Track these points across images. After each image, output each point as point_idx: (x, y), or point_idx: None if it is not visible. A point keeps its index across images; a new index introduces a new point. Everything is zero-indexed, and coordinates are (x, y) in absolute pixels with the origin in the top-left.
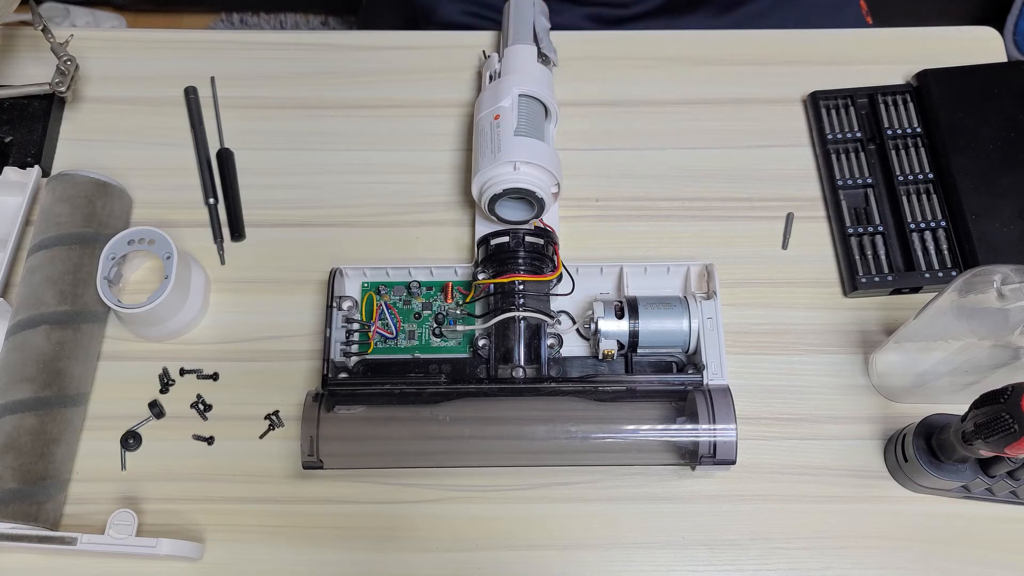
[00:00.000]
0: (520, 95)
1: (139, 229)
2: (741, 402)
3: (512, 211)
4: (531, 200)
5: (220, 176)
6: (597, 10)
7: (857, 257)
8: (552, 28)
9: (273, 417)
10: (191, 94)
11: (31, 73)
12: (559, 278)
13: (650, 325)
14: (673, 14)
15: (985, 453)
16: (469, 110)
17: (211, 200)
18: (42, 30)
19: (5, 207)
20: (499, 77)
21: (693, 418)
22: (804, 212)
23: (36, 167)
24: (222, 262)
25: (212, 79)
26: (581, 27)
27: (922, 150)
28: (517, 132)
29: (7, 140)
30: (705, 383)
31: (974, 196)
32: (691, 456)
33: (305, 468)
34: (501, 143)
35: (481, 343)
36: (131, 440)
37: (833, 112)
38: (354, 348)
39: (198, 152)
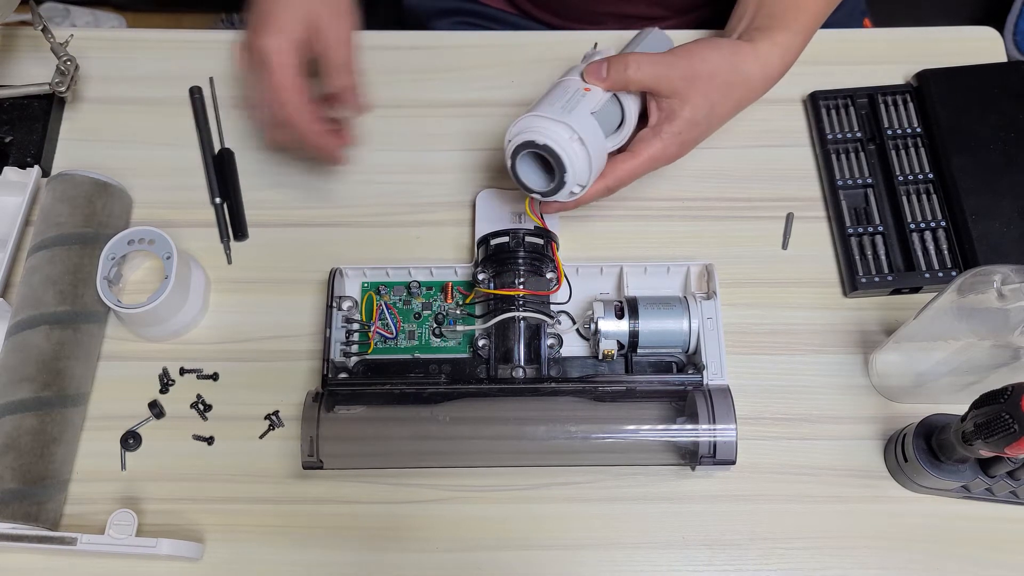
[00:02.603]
0: (615, 95)
1: (139, 229)
2: (741, 402)
3: (527, 171)
4: (554, 175)
5: (222, 176)
6: None
7: (857, 257)
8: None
9: (273, 417)
10: (196, 94)
11: (31, 73)
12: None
13: (650, 325)
14: None
15: (985, 453)
16: (469, 110)
17: (217, 200)
18: (42, 30)
19: (5, 207)
20: None
21: (693, 418)
22: (804, 212)
23: (36, 167)
24: (228, 261)
25: (211, 79)
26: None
27: (922, 150)
28: (594, 113)
29: (7, 140)
30: (705, 383)
31: (974, 196)
32: (691, 456)
33: (305, 468)
34: (577, 109)
35: (481, 343)
36: (131, 440)
37: (833, 112)
38: (354, 348)
39: (203, 151)
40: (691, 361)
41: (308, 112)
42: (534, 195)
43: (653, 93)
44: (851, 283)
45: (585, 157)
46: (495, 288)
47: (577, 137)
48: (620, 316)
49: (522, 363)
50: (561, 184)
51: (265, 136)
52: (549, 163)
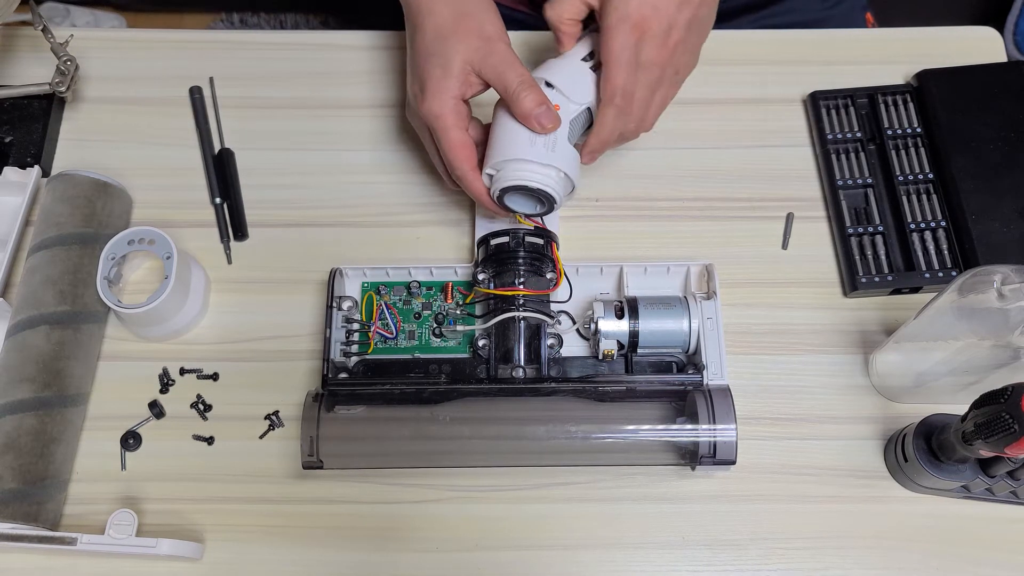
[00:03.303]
0: (589, 108)
1: (139, 229)
2: (741, 402)
3: (514, 199)
4: (543, 203)
5: (222, 176)
6: None
7: (857, 257)
8: None
9: (273, 417)
10: (196, 94)
11: (31, 73)
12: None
13: (650, 325)
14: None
15: (985, 453)
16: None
17: (217, 200)
18: (42, 30)
19: (5, 207)
20: (595, 69)
21: (693, 418)
22: (804, 212)
23: (36, 167)
24: (229, 261)
25: (211, 79)
26: None
27: (922, 150)
28: (570, 139)
29: (7, 140)
30: (705, 383)
31: (974, 196)
32: (691, 456)
33: (305, 468)
34: (558, 144)
35: (481, 343)
36: (131, 440)
37: (833, 112)
38: (354, 348)
39: (203, 151)
40: (691, 361)
41: (472, 171)
42: (520, 214)
43: (581, 15)
44: (851, 283)
45: (569, 183)
46: (495, 288)
47: (563, 174)
48: (620, 316)
49: (522, 363)
50: (551, 210)
51: (446, 183)
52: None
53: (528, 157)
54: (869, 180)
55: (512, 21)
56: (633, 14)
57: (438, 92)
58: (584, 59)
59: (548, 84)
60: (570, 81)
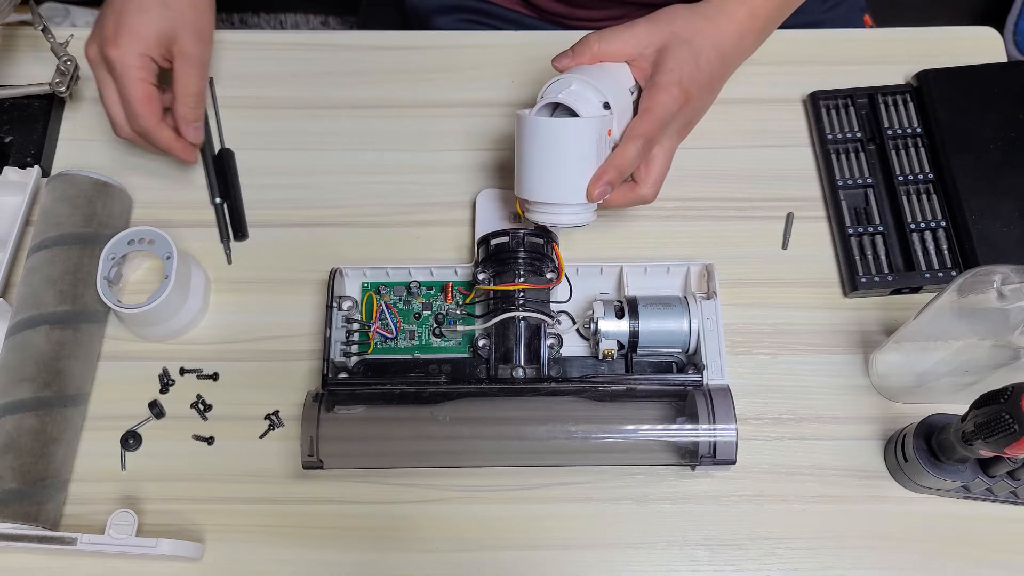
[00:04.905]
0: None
1: (139, 229)
2: (741, 402)
3: None
4: None
5: (222, 176)
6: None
7: (857, 257)
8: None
9: (273, 417)
10: None
11: (31, 73)
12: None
13: (650, 325)
14: None
15: (985, 453)
16: (469, 110)
17: (217, 200)
18: (42, 30)
19: (5, 207)
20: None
21: (693, 418)
22: (804, 212)
23: (36, 167)
24: (229, 261)
25: (211, 79)
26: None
27: (922, 150)
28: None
29: (7, 140)
30: (705, 383)
31: (974, 196)
32: (691, 456)
33: (305, 468)
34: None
35: (481, 343)
36: (131, 440)
37: (833, 112)
38: (354, 348)
39: (203, 151)
40: (691, 361)
41: (160, 123)
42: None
43: (627, 59)
44: (851, 283)
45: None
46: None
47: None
48: (620, 316)
49: (522, 363)
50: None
51: (115, 132)
52: None
53: (569, 200)
54: (869, 180)
55: (509, 21)
56: (684, 82)
57: (136, 42)
58: (631, 90)
59: (606, 106)
60: (621, 113)
